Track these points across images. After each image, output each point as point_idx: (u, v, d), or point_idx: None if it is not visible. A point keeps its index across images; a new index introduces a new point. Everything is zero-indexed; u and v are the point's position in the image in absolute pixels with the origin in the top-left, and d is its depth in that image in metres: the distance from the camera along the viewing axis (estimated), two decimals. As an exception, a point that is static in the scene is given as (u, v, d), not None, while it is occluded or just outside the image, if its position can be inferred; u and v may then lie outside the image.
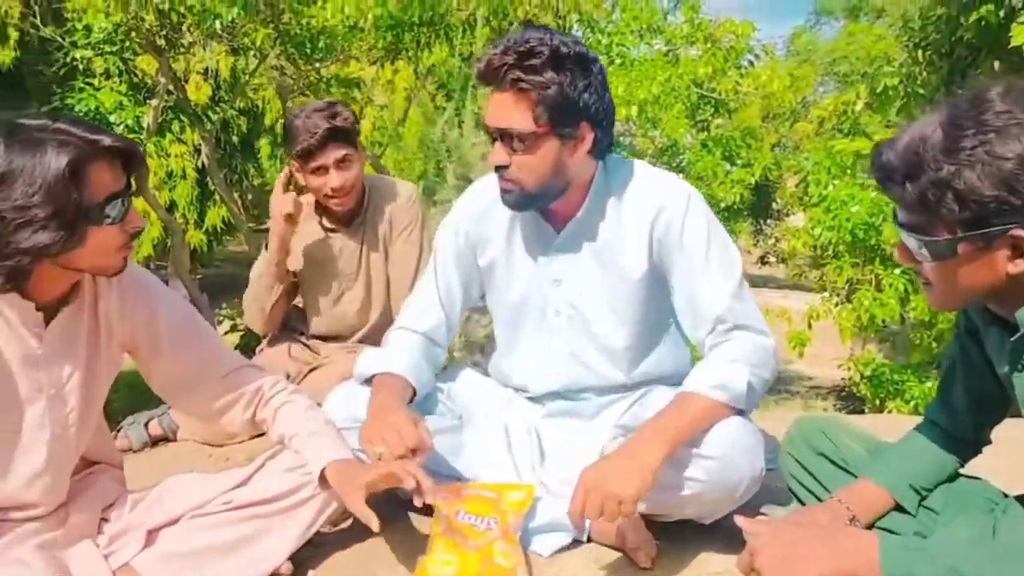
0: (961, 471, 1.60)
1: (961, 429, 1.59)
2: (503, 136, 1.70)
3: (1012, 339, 1.29)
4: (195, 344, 1.74)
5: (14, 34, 7.72)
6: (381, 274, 2.76)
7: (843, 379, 9.52)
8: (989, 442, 1.62)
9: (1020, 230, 1.17)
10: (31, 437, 1.55)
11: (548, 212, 1.83)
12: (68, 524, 1.62)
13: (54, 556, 1.55)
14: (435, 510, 1.70)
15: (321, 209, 2.73)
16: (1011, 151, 1.15)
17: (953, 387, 1.58)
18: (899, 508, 1.55)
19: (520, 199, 1.75)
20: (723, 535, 1.72)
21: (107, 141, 1.42)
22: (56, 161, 1.34)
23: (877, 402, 7.38)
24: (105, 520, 1.69)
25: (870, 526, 1.54)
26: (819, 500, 1.66)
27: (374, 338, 2.79)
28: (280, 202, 2.55)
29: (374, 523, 1.58)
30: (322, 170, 2.54)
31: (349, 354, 2.71)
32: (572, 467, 1.78)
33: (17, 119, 1.39)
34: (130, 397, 2.42)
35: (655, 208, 1.76)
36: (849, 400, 9.73)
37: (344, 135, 2.53)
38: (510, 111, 1.67)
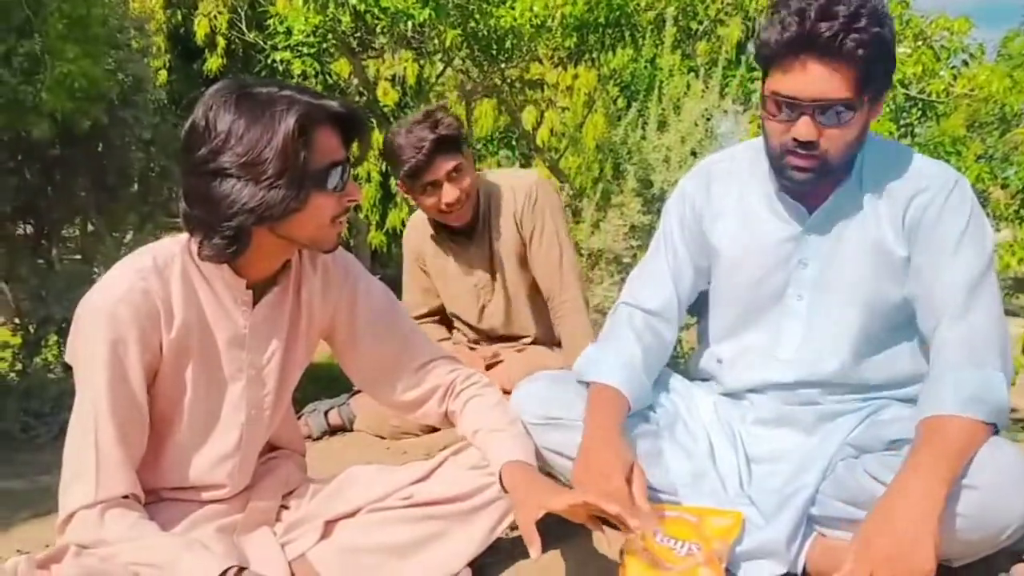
0: None
1: None
2: (815, 108, 1.47)
3: None
4: (393, 331, 1.67)
5: (221, 42, 8.29)
6: (518, 278, 2.57)
7: (1052, 414, 8.54)
8: None
9: None
10: (227, 417, 1.53)
11: None
12: (249, 508, 1.58)
13: (232, 541, 1.50)
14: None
15: (438, 226, 2.57)
16: None
17: None
18: None
19: (817, 178, 1.53)
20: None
21: (334, 106, 1.39)
22: (286, 119, 1.31)
23: (1094, 443, 6.52)
24: (284, 507, 1.65)
25: None
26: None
27: (544, 339, 2.67)
28: None
29: (535, 549, 1.39)
30: (434, 186, 2.36)
31: (518, 352, 2.60)
32: (784, 486, 1.58)
33: (244, 82, 1.37)
34: (310, 386, 2.42)
35: (915, 187, 1.55)
36: (1060, 437, 8.73)
37: (451, 143, 2.33)
38: (827, 79, 1.44)
